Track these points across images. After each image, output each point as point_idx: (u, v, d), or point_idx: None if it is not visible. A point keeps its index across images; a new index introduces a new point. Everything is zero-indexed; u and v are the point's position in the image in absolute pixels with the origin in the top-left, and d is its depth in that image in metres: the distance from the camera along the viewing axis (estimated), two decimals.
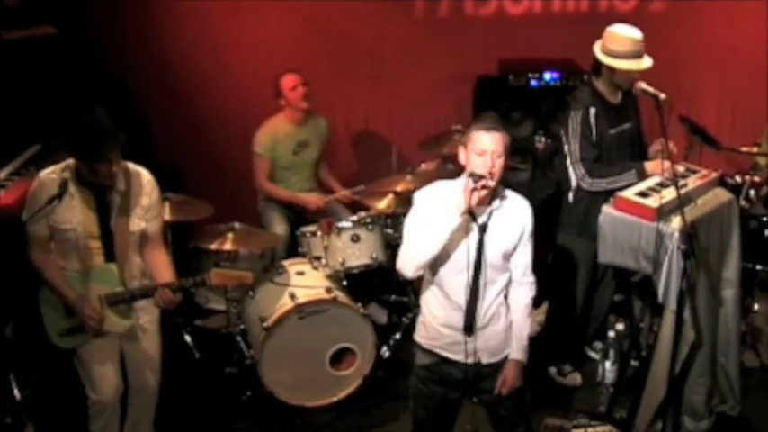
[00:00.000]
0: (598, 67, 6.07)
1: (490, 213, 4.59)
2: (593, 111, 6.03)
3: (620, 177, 5.96)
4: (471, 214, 4.53)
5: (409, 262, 4.61)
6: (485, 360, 4.74)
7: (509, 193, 4.71)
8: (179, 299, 5.26)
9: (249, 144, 7.30)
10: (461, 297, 4.64)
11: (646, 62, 5.96)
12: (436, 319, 4.74)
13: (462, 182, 4.54)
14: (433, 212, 4.55)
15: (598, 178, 6.02)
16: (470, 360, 4.71)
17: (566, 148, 6.16)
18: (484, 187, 4.41)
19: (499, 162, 4.47)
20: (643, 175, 5.92)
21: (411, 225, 4.65)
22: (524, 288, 4.78)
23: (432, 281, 4.73)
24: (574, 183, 6.20)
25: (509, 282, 4.74)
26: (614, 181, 5.97)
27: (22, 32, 6.97)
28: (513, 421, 4.93)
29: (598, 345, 6.77)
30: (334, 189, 7.63)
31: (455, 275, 4.62)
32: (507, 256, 4.67)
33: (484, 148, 4.45)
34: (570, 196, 6.26)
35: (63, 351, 5.33)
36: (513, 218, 4.65)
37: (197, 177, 8.05)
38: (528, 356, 4.81)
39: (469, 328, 4.66)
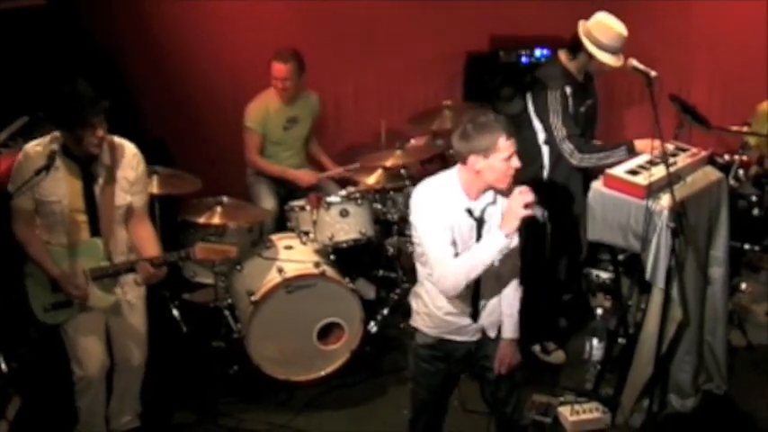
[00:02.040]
0: (576, 48, 6.09)
1: (484, 207, 4.56)
2: (568, 89, 6.10)
3: (611, 154, 5.99)
4: (470, 211, 4.53)
5: (455, 283, 4.49)
6: (492, 334, 4.78)
7: None
8: (162, 273, 5.27)
9: (238, 118, 7.28)
10: (470, 291, 4.64)
11: (621, 60, 6.00)
12: (440, 310, 4.70)
13: (455, 174, 4.54)
14: (442, 213, 4.48)
15: (588, 153, 6.04)
16: (476, 338, 4.77)
17: (537, 125, 6.21)
18: None
19: None
20: (633, 153, 5.93)
21: (433, 235, 4.49)
22: (509, 261, 4.75)
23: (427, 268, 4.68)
24: (547, 161, 6.26)
25: None
26: (605, 157, 5.99)
27: (9, 3, 6.92)
28: (507, 392, 4.94)
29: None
30: (324, 164, 7.62)
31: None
32: None
33: (512, 152, 4.43)
34: (545, 174, 6.29)
35: (49, 325, 5.33)
36: (502, 204, 4.61)
37: (185, 151, 8.01)
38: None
39: (475, 315, 4.70)
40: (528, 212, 4.38)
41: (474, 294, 4.67)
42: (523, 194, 4.38)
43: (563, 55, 6.19)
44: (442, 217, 4.48)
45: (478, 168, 4.43)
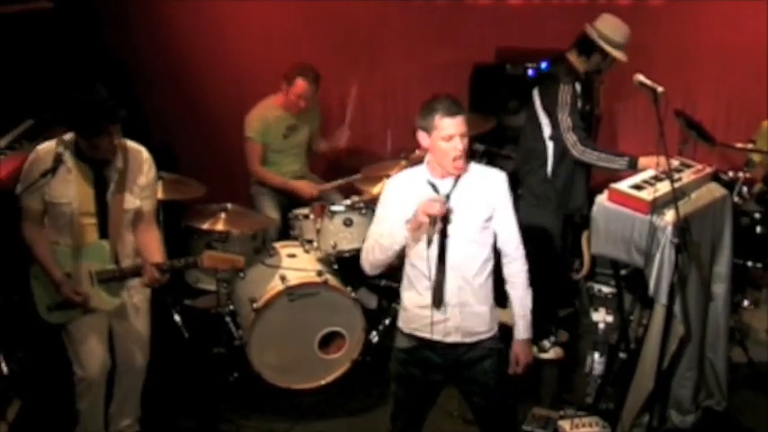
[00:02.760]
0: (589, 50, 6.18)
1: (455, 183, 4.59)
2: (578, 86, 6.25)
3: (612, 159, 6.12)
4: (433, 187, 4.59)
5: (366, 262, 4.75)
6: (460, 339, 4.70)
7: (479, 167, 4.73)
8: (166, 279, 5.28)
9: (243, 126, 7.27)
10: (433, 272, 4.63)
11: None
12: (411, 300, 4.73)
13: (425, 168, 4.64)
14: (398, 202, 4.62)
15: (590, 149, 6.16)
16: (448, 339, 4.68)
17: (544, 120, 6.33)
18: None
19: (465, 141, 4.52)
20: (635, 168, 5.94)
21: (375, 218, 4.78)
22: (518, 263, 4.78)
23: (407, 261, 4.72)
24: (551, 157, 6.35)
25: (489, 259, 4.69)
26: (605, 159, 6.12)
27: (18, 6, 6.93)
28: (495, 414, 4.89)
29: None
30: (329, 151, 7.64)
31: (425, 250, 4.59)
32: (479, 228, 4.63)
33: (451, 133, 4.48)
34: (548, 170, 6.37)
35: (51, 326, 5.33)
36: (483, 189, 4.63)
37: (191, 157, 8.03)
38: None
39: (438, 302, 4.62)
40: (425, 220, 4.43)
41: (437, 279, 4.60)
42: (432, 203, 4.45)
43: (572, 57, 6.28)
44: (395, 200, 4.64)
45: (426, 146, 4.58)
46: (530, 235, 6.21)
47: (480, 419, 4.98)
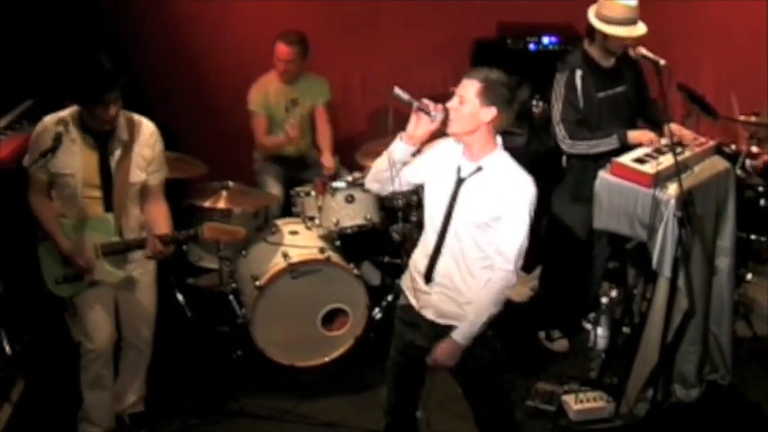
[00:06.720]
0: (591, 31, 6.06)
1: (476, 170, 4.49)
2: (579, 73, 6.06)
3: (601, 142, 5.98)
4: (458, 168, 4.53)
5: (371, 176, 4.89)
6: (429, 316, 4.63)
7: (511, 163, 4.51)
8: (170, 251, 5.29)
9: (245, 103, 7.27)
10: (432, 246, 4.61)
11: (639, 29, 5.94)
12: (414, 260, 4.74)
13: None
14: (435, 160, 4.65)
15: (579, 140, 6.03)
16: (422, 312, 4.65)
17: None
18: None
19: (455, 101, 4.56)
20: (625, 142, 5.89)
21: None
22: (498, 274, 4.45)
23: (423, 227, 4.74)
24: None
25: (484, 260, 4.50)
26: (595, 145, 5.98)
27: None
28: (479, 396, 4.82)
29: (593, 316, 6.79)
30: (323, 156, 7.52)
31: (430, 223, 4.61)
32: (479, 227, 4.45)
33: (456, 89, 4.56)
34: (563, 161, 6.28)
35: (54, 305, 5.34)
36: (498, 189, 4.44)
37: (192, 135, 7.99)
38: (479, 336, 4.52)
39: (428, 276, 4.60)
40: (418, 111, 4.56)
41: (432, 255, 4.58)
42: (427, 103, 4.56)
43: (586, 44, 6.15)
44: (428, 158, 4.69)
45: None
46: (553, 225, 6.20)
47: (469, 401, 4.90)
